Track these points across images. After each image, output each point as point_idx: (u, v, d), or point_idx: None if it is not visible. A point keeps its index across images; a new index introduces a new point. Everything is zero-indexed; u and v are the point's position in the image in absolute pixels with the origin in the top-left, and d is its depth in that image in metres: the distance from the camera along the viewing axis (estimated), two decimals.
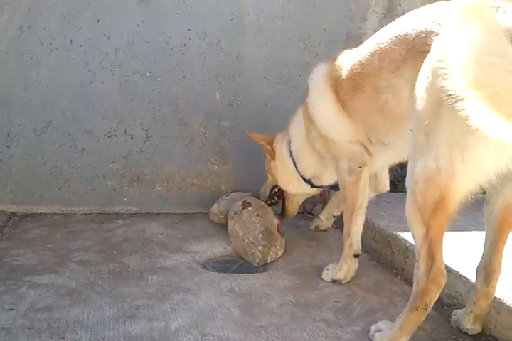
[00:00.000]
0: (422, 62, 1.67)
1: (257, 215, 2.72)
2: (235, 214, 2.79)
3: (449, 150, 1.54)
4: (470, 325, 1.94)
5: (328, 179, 2.79)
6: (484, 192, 1.81)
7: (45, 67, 3.03)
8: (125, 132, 3.18)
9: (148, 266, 2.47)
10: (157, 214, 3.27)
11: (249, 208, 2.77)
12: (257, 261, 2.63)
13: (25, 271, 2.35)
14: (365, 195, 2.41)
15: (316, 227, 3.07)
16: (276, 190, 3.01)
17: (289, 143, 2.75)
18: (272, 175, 2.91)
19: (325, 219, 3.07)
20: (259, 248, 2.62)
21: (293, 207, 3.01)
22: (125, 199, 3.24)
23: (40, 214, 3.15)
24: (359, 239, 2.44)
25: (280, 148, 2.80)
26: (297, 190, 2.90)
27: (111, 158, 3.19)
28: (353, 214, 2.40)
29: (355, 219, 2.40)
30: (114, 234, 2.89)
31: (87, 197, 3.21)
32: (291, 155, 2.76)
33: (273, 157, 2.84)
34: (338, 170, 2.40)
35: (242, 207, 2.79)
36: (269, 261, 2.64)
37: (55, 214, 3.17)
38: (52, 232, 2.87)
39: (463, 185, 1.58)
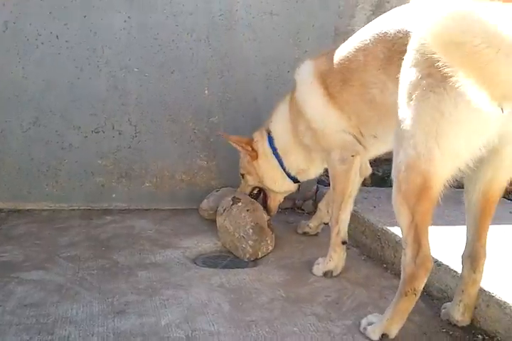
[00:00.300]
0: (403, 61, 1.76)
1: (247, 211, 2.72)
2: (225, 210, 2.78)
3: (425, 138, 1.62)
4: (460, 316, 1.95)
5: (314, 173, 2.83)
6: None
7: (32, 62, 2.99)
8: (113, 128, 3.15)
9: (137, 262, 2.45)
10: (146, 210, 3.25)
11: (239, 204, 2.76)
12: (248, 256, 2.62)
13: (12, 268, 2.32)
14: (355, 183, 2.43)
15: (305, 233, 3.03)
16: (256, 192, 3.01)
17: (272, 140, 2.75)
18: (254, 175, 2.88)
19: (314, 226, 3.01)
20: (250, 243, 2.62)
21: (275, 204, 3.00)
22: (114, 196, 3.22)
23: (28, 210, 3.12)
24: (346, 226, 2.46)
25: (262, 147, 2.78)
26: (282, 188, 2.90)
27: (99, 154, 3.16)
28: (342, 202, 2.41)
29: (344, 207, 2.42)
30: (103, 230, 2.87)
31: (76, 194, 3.18)
32: (273, 153, 2.76)
33: (255, 157, 2.81)
34: (330, 161, 2.41)
35: (231, 203, 2.78)
36: (259, 256, 2.63)
37: (43, 210, 3.13)
38: (40, 228, 2.84)
39: (442, 170, 1.65)
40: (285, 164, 2.76)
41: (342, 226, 2.44)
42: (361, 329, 1.92)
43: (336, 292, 2.26)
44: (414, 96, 1.63)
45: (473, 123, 1.57)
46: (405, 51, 1.74)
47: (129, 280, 2.25)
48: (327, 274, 2.42)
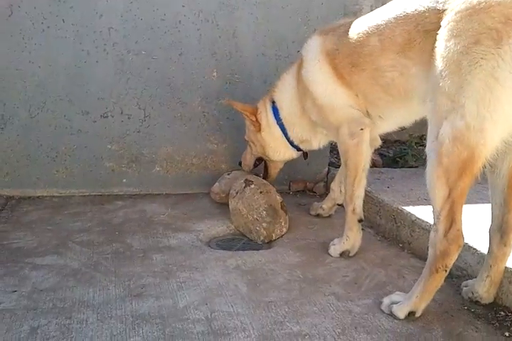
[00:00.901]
0: (428, 41, 1.77)
1: (260, 193, 2.68)
2: (237, 192, 2.75)
3: (476, 107, 1.56)
4: (485, 293, 1.93)
5: (317, 143, 2.79)
6: None
7: (38, 47, 2.95)
8: (122, 112, 3.11)
9: (151, 246, 2.43)
10: (157, 194, 3.23)
11: (252, 186, 2.72)
12: (262, 238, 2.60)
13: (25, 253, 2.30)
14: (367, 156, 2.39)
15: (318, 214, 2.99)
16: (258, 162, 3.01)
17: (276, 111, 2.71)
18: (257, 145, 2.86)
19: (327, 207, 2.96)
20: (264, 225, 2.59)
21: (276, 172, 3.01)
22: (124, 181, 3.19)
23: (39, 197, 3.10)
24: (361, 203, 2.42)
25: (266, 118, 2.76)
26: (284, 157, 2.88)
27: (108, 139, 3.13)
28: (356, 177, 2.36)
29: (358, 183, 2.37)
30: (115, 215, 2.84)
31: (86, 179, 3.15)
32: (278, 124, 2.73)
33: (258, 129, 2.79)
34: (340, 136, 2.37)
35: (244, 185, 2.75)
36: (274, 238, 2.61)
37: (54, 196, 3.11)
38: (51, 215, 2.82)
39: (491, 142, 1.60)
40: (289, 134, 2.74)
41: (357, 203, 2.40)
42: (383, 308, 1.90)
43: (353, 272, 2.23)
44: (461, 65, 1.59)
45: None
46: (432, 29, 1.74)
47: (144, 264, 2.23)
48: (344, 254, 2.39)
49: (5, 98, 2.97)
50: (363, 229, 2.75)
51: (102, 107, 3.09)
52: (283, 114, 2.70)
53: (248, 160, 3.01)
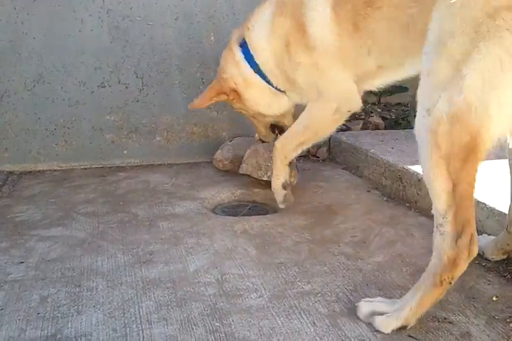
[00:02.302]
0: None
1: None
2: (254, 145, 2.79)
3: (482, 85, 1.28)
4: (495, 255, 1.90)
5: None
6: None
7: (30, 17, 2.88)
8: (119, 82, 3.06)
9: (157, 214, 2.41)
10: (159, 165, 3.19)
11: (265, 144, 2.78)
12: (269, 174, 2.59)
13: (30, 226, 2.29)
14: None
15: None
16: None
17: (250, 56, 2.37)
18: (251, 111, 2.57)
19: None
20: None
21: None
22: (125, 152, 3.15)
23: (39, 171, 3.07)
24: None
25: (239, 76, 2.40)
26: (280, 108, 2.54)
27: (107, 109, 3.08)
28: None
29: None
30: (118, 186, 2.82)
31: (86, 152, 3.11)
32: (255, 72, 2.39)
33: (237, 96, 2.45)
34: (321, 109, 2.26)
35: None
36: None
37: (55, 170, 3.08)
38: (53, 188, 2.79)
39: (496, 127, 1.31)
40: (272, 81, 2.40)
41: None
42: (361, 316, 1.56)
43: (361, 232, 2.22)
44: (480, 27, 1.26)
45: None
46: None
47: (151, 231, 2.21)
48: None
49: None
50: (368, 191, 2.76)
51: (99, 77, 3.03)
52: (259, 59, 2.35)
53: (263, 131, 2.75)
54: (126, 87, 3.07)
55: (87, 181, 2.91)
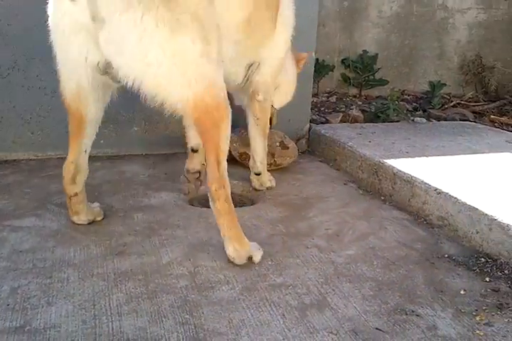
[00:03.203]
0: None
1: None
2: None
3: None
4: None
5: None
6: None
7: (5, 2, 2.80)
8: None
9: (132, 205, 2.40)
10: (136, 155, 3.16)
11: None
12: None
13: (3, 216, 2.25)
14: None
15: None
16: None
17: None
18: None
19: None
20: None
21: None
22: (102, 142, 3.10)
23: (15, 160, 3.02)
24: None
25: None
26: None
27: None
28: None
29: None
30: (94, 176, 2.77)
31: (62, 141, 3.01)
32: None
33: None
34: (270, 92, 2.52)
35: None
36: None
37: (30, 159, 3.04)
38: (28, 177, 2.76)
39: None
40: None
41: None
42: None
43: (335, 225, 2.23)
44: None
45: None
46: None
47: (125, 223, 2.20)
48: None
49: None
50: (345, 184, 2.78)
51: None
52: None
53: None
54: None
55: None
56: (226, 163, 1.85)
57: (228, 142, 1.85)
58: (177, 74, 1.70)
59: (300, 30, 2.84)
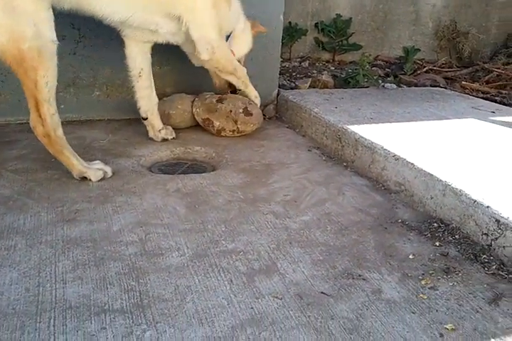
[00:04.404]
0: None
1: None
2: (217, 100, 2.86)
3: None
4: None
5: None
6: None
7: None
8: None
9: None
10: (98, 120, 3.09)
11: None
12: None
13: None
14: None
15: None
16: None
17: None
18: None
19: None
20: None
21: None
22: (62, 106, 2.99)
23: None
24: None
25: None
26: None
27: None
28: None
29: None
30: None
31: (21, 106, 2.92)
32: None
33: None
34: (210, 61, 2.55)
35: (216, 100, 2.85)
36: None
37: None
38: None
39: None
40: None
41: None
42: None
43: (294, 191, 2.22)
44: None
45: None
46: None
47: (79, 189, 2.16)
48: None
49: None
50: (309, 150, 2.76)
51: None
52: None
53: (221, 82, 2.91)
54: (63, 39, 2.89)
55: (21, 137, 2.79)
56: (49, 111, 2.09)
57: (49, 90, 2.07)
58: None
59: None
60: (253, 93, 2.92)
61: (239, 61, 2.80)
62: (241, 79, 2.77)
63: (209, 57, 2.48)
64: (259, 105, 2.95)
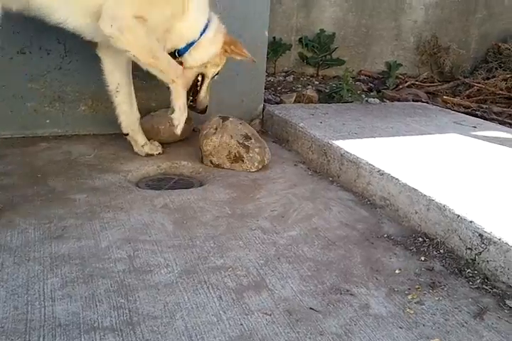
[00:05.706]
0: None
1: (240, 124, 2.74)
2: (216, 128, 2.70)
3: None
4: None
5: None
6: None
7: None
8: (40, 48, 2.90)
9: (75, 187, 2.34)
10: (84, 135, 3.09)
11: (230, 119, 2.74)
12: (256, 164, 2.65)
13: None
14: None
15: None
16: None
17: None
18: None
19: None
20: (257, 150, 2.65)
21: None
22: (48, 121, 3.03)
23: None
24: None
25: None
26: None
27: (27, 76, 2.92)
28: None
29: None
30: (38, 157, 2.71)
31: (7, 121, 2.97)
32: None
33: None
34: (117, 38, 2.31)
35: (222, 120, 2.73)
36: (266, 162, 2.69)
37: None
38: None
39: None
40: None
41: None
42: None
43: (281, 206, 2.24)
44: None
45: None
46: None
47: (66, 206, 2.15)
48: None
49: None
50: (295, 165, 2.79)
51: (19, 42, 2.86)
52: None
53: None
54: (48, 53, 2.93)
55: (6, 152, 2.78)
56: None
57: None
58: None
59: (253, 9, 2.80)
60: (180, 101, 2.60)
61: (203, 74, 2.72)
62: (168, 75, 2.56)
63: (110, 33, 2.26)
64: (177, 125, 2.59)
